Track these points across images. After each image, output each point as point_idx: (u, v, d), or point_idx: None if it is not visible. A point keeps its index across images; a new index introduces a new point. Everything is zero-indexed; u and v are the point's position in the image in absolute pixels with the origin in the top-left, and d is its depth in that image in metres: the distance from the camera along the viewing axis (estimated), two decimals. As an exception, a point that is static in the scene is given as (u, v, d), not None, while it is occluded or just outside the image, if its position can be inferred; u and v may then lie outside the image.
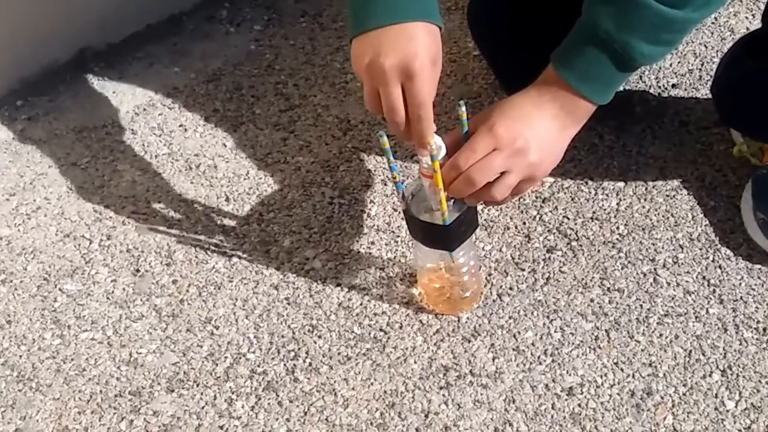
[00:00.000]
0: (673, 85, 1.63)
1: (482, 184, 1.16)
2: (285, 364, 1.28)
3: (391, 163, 1.19)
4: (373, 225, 1.44)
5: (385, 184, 1.50)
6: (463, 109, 1.18)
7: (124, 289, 1.38)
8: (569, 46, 1.17)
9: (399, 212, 1.45)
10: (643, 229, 1.42)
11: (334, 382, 1.26)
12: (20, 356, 1.30)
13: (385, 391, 1.24)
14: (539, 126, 1.17)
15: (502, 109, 1.19)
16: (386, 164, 1.50)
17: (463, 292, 1.31)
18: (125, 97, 1.70)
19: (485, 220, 1.44)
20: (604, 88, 1.18)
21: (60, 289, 1.39)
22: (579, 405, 1.21)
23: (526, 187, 1.20)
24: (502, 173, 1.16)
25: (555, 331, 1.30)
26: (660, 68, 1.66)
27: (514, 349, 1.28)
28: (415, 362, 1.27)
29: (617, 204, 1.45)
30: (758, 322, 1.29)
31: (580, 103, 1.18)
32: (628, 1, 1.11)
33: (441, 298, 1.32)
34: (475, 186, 1.16)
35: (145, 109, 1.67)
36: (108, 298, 1.37)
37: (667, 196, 1.46)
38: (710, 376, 1.24)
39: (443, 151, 1.17)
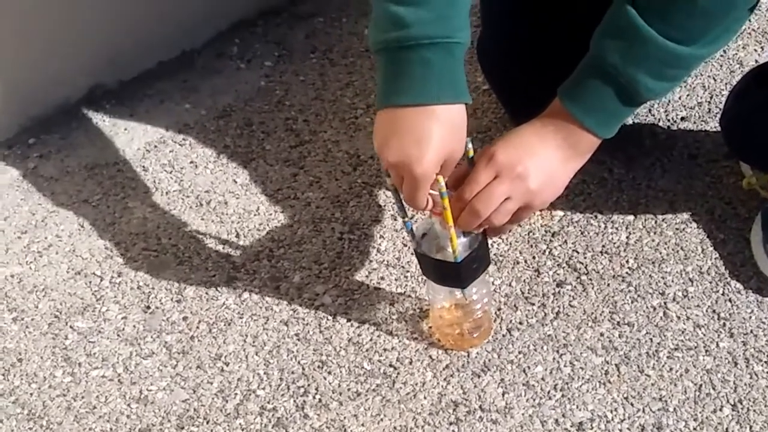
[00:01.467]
0: (682, 118, 1.64)
1: (487, 214, 1.17)
2: (295, 401, 1.28)
3: (398, 203, 1.20)
4: (383, 260, 1.45)
5: (395, 219, 1.50)
6: (470, 146, 1.18)
7: (134, 326, 1.39)
8: (576, 79, 1.18)
9: (409, 247, 1.45)
10: (653, 263, 1.41)
11: (344, 418, 1.26)
12: (31, 394, 1.31)
13: (394, 427, 1.24)
14: (541, 155, 1.18)
15: (504, 138, 1.20)
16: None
17: (475, 329, 1.31)
18: (136, 134, 1.71)
19: (494, 254, 1.44)
20: (608, 122, 1.18)
21: (71, 327, 1.39)
22: (589, 440, 1.21)
23: (524, 215, 1.21)
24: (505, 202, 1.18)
25: (565, 366, 1.30)
26: (669, 101, 1.67)
27: (523, 384, 1.28)
28: (425, 398, 1.27)
29: (627, 237, 1.45)
30: (769, 355, 1.29)
31: (584, 135, 1.19)
32: (636, 36, 1.12)
33: (452, 333, 1.32)
34: (480, 216, 1.18)
35: (156, 146, 1.68)
36: (118, 335, 1.38)
37: (677, 229, 1.46)
38: (721, 410, 1.23)
39: None
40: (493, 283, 1.41)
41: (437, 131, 1.12)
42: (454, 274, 1.23)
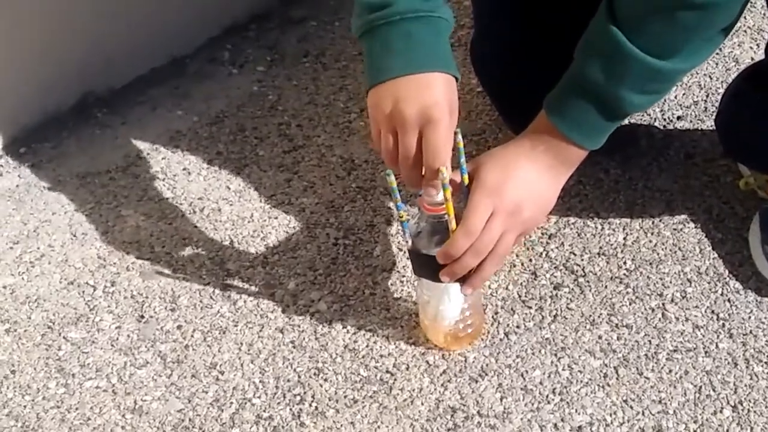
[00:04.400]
0: (679, 118, 1.63)
1: (487, 252, 1.18)
2: (291, 409, 1.27)
3: (397, 202, 1.19)
4: (378, 265, 1.43)
5: (389, 224, 1.49)
6: (460, 137, 1.18)
7: (128, 335, 1.38)
8: (560, 94, 1.18)
9: (404, 252, 1.44)
10: (651, 264, 1.40)
11: (341, 426, 1.24)
12: (24, 406, 1.29)
13: (392, 435, 1.23)
14: (533, 181, 1.19)
15: (496, 164, 1.19)
16: (391, 203, 1.49)
17: (466, 327, 1.30)
18: (128, 141, 1.70)
19: (491, 257, 1.43)
20: (594, 135, 1.19)
21: (64, 337, 1.38)
22: (589, 445, 1.20)
23: (520, 239, 1.23)
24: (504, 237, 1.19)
25: (563, 370, 1.28)
26: (665, 101, 1.65)
27: (522, 389, 1.27)
28: (422, 404, 1.26)
29: (624, 239, 1.44)
30: (769, 356, 1.28)
31: (572, 149, 1.19)
32: (616, 52, 1.11)
33: (443, 332, 1.31)
34: (481, 255, 1.18)
35: (148, 154, 1.67)
36: (112, 345, 1.36)
37: (674, 229, 1.44)
38: (721, 412, 1.22)
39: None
40: (490, 287, 1.39)
41: (438, 82, 1.14)
42: None
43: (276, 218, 1.53)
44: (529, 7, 1.43)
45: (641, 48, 1.09)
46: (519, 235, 1.20)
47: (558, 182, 1.21)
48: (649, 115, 1.64)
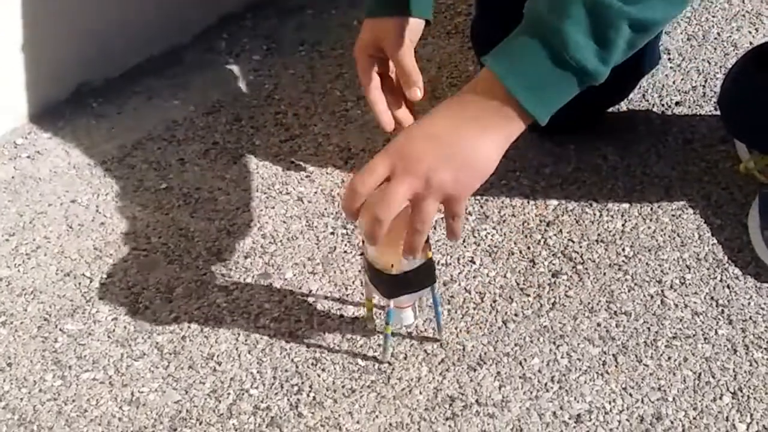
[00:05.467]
0: (677, 103, 1.62)
1: (386, 215, 1.07)
2: (288, 399, 1.26)
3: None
4: (376, 254, 1.43)
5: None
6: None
7: (125, 327, 1.37)
8: (506, 39, 1.07)
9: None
10: (650, 251, 1.40)
11: (339, 416, 1.24)
12: (21, 399, 1.29)
13: (390, 424, 1.22)
14: (445, 135, 1.06)
15: (410, 125, 1.14)
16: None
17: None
18: (124, 131, 1.69)
19: (489, 245, 1.43)
20: (536, 85, 1.04)
21: (60, 330, 1.37)
22: (588, 433, 1.20)
23: (455, 207, 1.09)
24: (418, 202, 1.07)
25: (562, 357, 1.28)
26: (663, 86, 1.65)
27: (520, 377, 1.26)
28: (421, 393, 1.25)
29: (622, 225, 1.43)
30: (769, 342, 1.27)
31: (505, 101, 1.05)
32: None
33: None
34: (381, 221, 1.07)
35: (143, 144, 1.66)
36: (109, 336, 1.36)
37: (673, 215, 1.44)
38: (720, 398, 1.21)
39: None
40: (488, 275, 1.39)
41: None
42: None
43: (273, 208, 1.53)
44: None
45: None
46: (451, 203, 1.08)
47: (486, 138, 1.06)
48: (647, 100, 1.63)
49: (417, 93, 1.32)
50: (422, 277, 1.21)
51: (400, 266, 1.18)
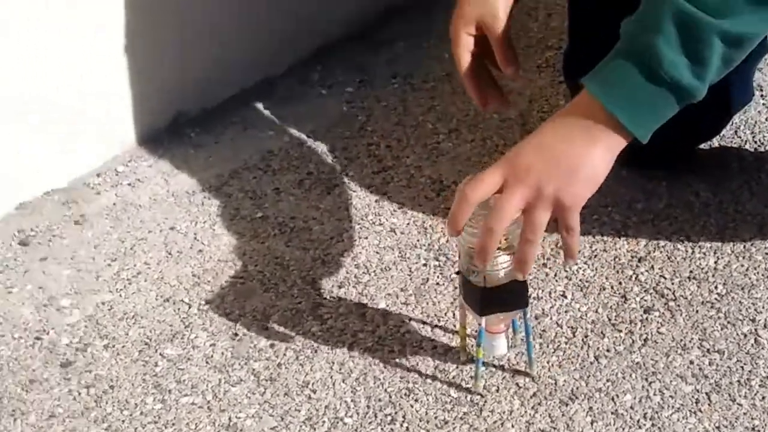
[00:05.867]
0: (770, 140, 1.62)
1: (499, 225, 1.09)
2: (382, 429, 1.28)
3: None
4: (468, 287, 1.45)
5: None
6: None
7: (222, 353, 1.40)
8: (602, 61, 1.10)
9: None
10: (743, 289, 1.40)
11: (432, 446, 1.26)
12: (123, 421, 1.32)
13: (483, 456, 1.24)
14: (553, 145, 1.09)
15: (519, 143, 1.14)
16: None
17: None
18: (221, 161, 1.73)
19: (580, 280, 1.44)
20: (632, 102, 1.07)
21: (161, 354, 1.41)
22: (681, 470, 1.20)
23: (569, 217, 1.11)
24: (529, 212, 1.09)
25: (654, 394, 1.28)
26: (756, 123, 1.65)
27: (612, 413, 1.27)
28: (513, 426, 1.27)
29: (715, 263, 1.44)
30: None
31: (607, 120, 1.07)
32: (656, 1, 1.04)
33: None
34: (494, 232, 1.09)
35: (240, 173, 1.70)
36: (207, 362, 1.39)
37: (767, 254, 1.44)
38: (816, 440, 1.21)
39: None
40: (579, 310, 1.40)
41: None
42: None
43: (366, 238, 1.55)
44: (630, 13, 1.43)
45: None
46: (564, 213, 1.10)
47: (593, 147, 1.08)
48: (740, 137, 1.63)
49: (516, 72, 1.27)
50: (515, 297, 1.24)
51: (492, 279, 1.20)
